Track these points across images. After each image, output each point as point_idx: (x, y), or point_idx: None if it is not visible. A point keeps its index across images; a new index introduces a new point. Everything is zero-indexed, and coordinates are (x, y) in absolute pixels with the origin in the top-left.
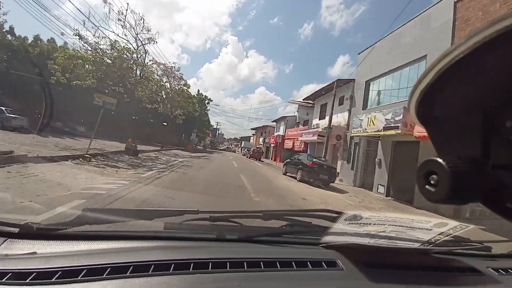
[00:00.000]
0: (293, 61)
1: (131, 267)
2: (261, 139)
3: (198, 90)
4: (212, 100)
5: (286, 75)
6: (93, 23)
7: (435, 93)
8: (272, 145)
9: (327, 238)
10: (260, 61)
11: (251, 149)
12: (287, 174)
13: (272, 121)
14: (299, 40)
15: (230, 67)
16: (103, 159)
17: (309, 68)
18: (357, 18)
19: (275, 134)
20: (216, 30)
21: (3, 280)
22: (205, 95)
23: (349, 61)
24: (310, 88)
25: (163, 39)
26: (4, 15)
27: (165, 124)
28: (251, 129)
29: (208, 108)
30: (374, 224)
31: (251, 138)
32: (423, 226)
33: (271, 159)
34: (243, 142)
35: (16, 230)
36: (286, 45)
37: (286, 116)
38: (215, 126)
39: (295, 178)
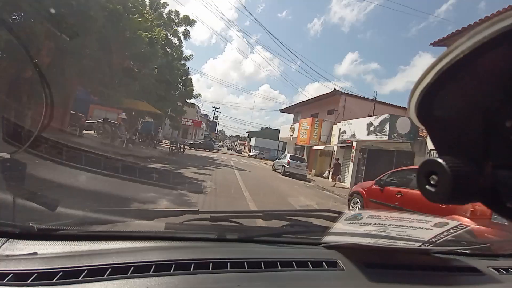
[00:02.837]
0: (300, 58)
1: (132, 268)
2: (344, 129)
3: None
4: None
5: (292, 72)
6: None
7: (435, 93)
8: None
9: (328, 238)
10: (265, 58)
11: None
12: None
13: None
14: (308, 36)
15: (235, 64)
16: None
17: (315, 66)
18: (369, 14)
19: None
20: (221, 24)
21: (4, 281)
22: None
23: (358, 58)
24: (316, 87)
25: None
26: None
27: None
28: (281, 110)
29: (187, 68)
30: (375, 223)
31: (288, 128)
32: (424, 226)
33: None
34: (252, 139)
35: (17, 230)
36: (293, 41)
37: None
38: (211, 117)
39: None
